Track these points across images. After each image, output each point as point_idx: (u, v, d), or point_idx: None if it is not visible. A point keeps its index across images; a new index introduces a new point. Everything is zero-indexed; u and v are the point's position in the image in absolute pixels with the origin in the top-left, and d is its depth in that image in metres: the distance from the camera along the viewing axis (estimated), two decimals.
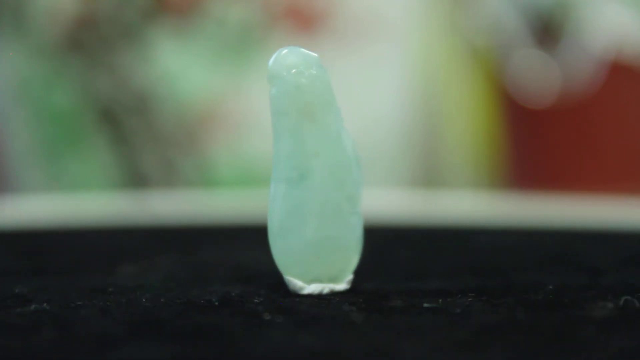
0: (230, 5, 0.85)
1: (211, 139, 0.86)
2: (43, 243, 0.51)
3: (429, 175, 0.91)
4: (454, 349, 0.25)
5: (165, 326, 0.28)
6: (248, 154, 0.85)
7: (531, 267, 0.39)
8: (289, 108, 0.31)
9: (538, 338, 0.26)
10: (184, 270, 0.39)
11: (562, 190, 0.80)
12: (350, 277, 0.32)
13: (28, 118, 0.86)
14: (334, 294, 0.32)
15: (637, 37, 0.83)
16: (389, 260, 0.42)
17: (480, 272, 0.38)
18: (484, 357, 0.24)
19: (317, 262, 0.32)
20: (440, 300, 0.30)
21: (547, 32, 0.85)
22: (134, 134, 0.85)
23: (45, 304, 0.30)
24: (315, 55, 0.32)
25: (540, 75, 0.85)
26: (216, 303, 0.31)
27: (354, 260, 0.32)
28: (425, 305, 0.30)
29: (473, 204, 0.76)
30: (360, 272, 0.33)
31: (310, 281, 0.32)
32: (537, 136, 0.88)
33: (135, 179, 0.85)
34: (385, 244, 0.47)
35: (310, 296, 0.31)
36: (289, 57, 0.31)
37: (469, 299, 0.31)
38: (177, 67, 0.85)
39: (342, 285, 0.32)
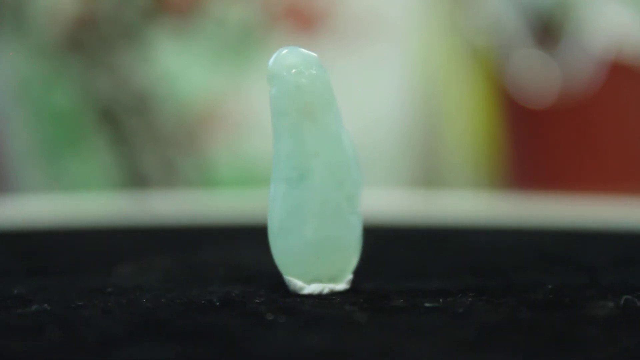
0: (230, 5, 0.85)
1: (211, 139, 0.86)
2: (43, 243, 0.51)
3: (429, 175, 0.91)
4: (460, 348, 0.25)
5: (168, 326, 0.28)
6: (248, 154, 0.85)
7: (531, 267, 0.39)
8: (289, 108, 0.31)
9: (542, 337, 0.26)
10: (183, 270, 0.39)
11: (562, 190, 0.80)
12: (350, 277, 0.32)
13: (28, 118, 0.86)
14: (334, 294, 0.32)
15: (637, 37, 0.83)
16: (388, 260, 0.42)
17: (480, 272, 0.38)
18: (491, 356, 0.24)
19: (317, 262, 0.32)
20: (441, 300, 0.31)
21: (547, 32, 0.85)
22: (134, 134, 0.85)
23: (46, 305, 0.30)
24: (315, 55, 0.32)
25: (540, 75, 0.85)
26: (217, 303, 0.31)
27: (353, 260, 0.32)
28: (427, 305, 0.30)
29: (473, 204, 0.76)
30: (359, 272, 0.33)
31: (310, 281, 0.32)
32: (537, 136, 0.88)
33: (135, 179, 0.85)
34: (384, 244, 0.47)
35: (310, 296, 0.31)
36: (289, 57, 0.31)
37: (470, 299, 0.31)
38: (177, 67, 0.85)
39: (341, 285, 0.32)
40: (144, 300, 0.31)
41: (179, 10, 0.85)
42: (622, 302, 0.30)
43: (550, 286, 0.33)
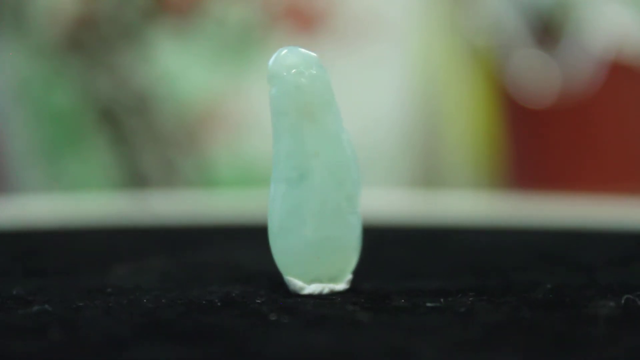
0: (230, 5, 0.85)
1: (211, 139, 0.86)
2: (43, 243, 0.51)
3: (429, 175, 0.91)
4: (466, 348, 0.25)
5: (172, 327, 0.28)
6: (248, 154, 0.85)
7: (530, 267, 0.40)
8: (289, 108, 0.31)
9: (546, 337, 0.26)
10: (183, 270, 0.39)
11: (562, 190, 0.80)
12: (349, 277, 0.32)
13: (28, 118, 0.86)
14: (334, 294, 0.32)
15: (637, 37, 0.83)
16: (387, 260, 0.42)
17: (480, 271, 0.38)
18: (497, 356, 0.24)
19: (317, 262, 0.32)
20: (442, 300, 0.31)
21: (547, 32, 0.85)
22: (134, 134, 0.85)
23: (46, 305, 0.30)
24: (315, 55, 0.32)
25: (540, 75, 0.85)
26: (219, 304, 0.31)
27: (353, 260, 0.32)
28: (429, 304, 0.30)
29: (473, 204, 0.76)
30: (359, 272, 0.33)
31: (311, 281, 0.32)
32: (537, 136, 0.88)
33: (135, 179, 0.85)
34: (384, 244, 0.47)
35: (311, 296, 0.31)
36: (288, 57, 0.31)
37: (470, 299, 0.31)
38: (177, 67, 0.85)
39: (341, 285, 0.32)
40: (144, 300, 0.31)
41: (179, 10, 0.85)
42: (622, 301, 0.30)
43: (549, 286, 0.33)
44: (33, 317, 0.29)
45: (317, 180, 0.31)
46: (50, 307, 0.30)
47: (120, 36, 0.84)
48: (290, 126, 0.31)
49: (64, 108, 0.86)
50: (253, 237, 0.45)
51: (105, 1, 0.85)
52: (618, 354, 0.25)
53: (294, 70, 0.31)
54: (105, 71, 0.85)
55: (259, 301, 0.31)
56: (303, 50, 0.31)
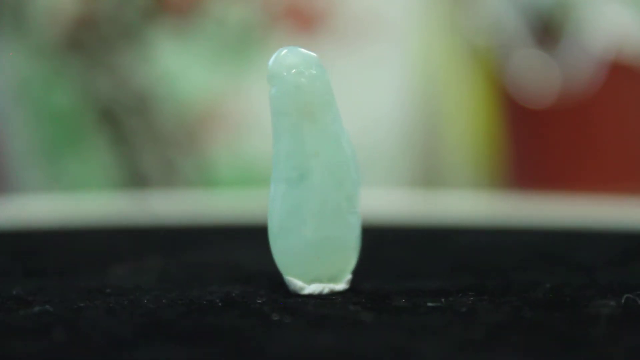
0: (230, 5, 0.85)
1: (211, 139, 0.86)
2: (43, 243, 0.51)
3: (429, 175, 0.91)
4: (471, 348, 0.25)
5: (174, 327, 0.28)
6: (248, 154, 0.85)
7: (530, 267, 0.40)
8: (289, 108, 0.31)
9: (550, 336, 0.26)
10: (184, 270, 0.39)
11: (562, 190, 0.80)
12: (349, 277, 0.32)
13: (28, 118, 0.86)
14: (334, 294, 0.32)
15: (637, 37, 0.83)
16: (386, 260, 0.42)
17: (480, 271, 0.38)
18: (502, 355, 0.25)
19: (317, 262, 0.32)
20: (443, 300, 0.31)
21: (547, 32, 0.85)
22: (134, 134, 0.85)
23: (47, 306, 0.30)
24: (315, 55, 0.32)
25: (540, 75, 0.85)
26: (220, 304, 0.31)
27: (353, 260, 0.32)
28: (430, 304, 0.30)
29: (473, 204, 0.76)
30: (358, 272, 0.33)
31: (311, 281, 0.32)
32: (537, 136, 0.88)
33: (135, 179, 0.85)
34: (384, 244, 0.47)
35: (311, 296, 0.31)
36: (288, 57, 0.31)
37: (471, 298, 0.31)
38: (177, 67, 0.85)
39: (341, 285, 0.32)
40: (145, 301, 0.31)
41: (179, 10, 0.85)
42: (623, 301, 0.30)
43: (548, 285, 0.33)
44: (34, 317, 0.29)
45: (317, 180, 0.31)
46: (51, 307, 0.30)
47: (120, 36, 0.84)
48: (290, 126, 0.31)
49: (64, 108, 0.86)
50: (253, 237, 0.45)
51: (105, 1, 0.85)
52: (620, 353, 0.25)
53: (294, 70, 0.31)
54: (105, 71, 0.85)
55: (259, 301, 0.31)
56: (303, 50, 0.31)
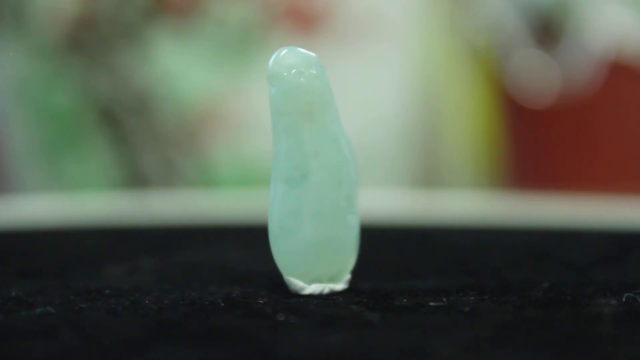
0: (230, 5, 0.85)
1: (211, 139, 0.86)
2: (42, 243, 0.51)
3: (429, 175, 0.91)
4: (481, 347, 0.25)
5: (181, 328, 0.28)
6: (248, 154, 0.85)
7: (530, 266, 0.40)
8: (289, 108, 0.31)
9: (558, 335, 0.26)
10: (183, 270, 0.39)
11: (562, 190, 0.80)
12: (348, 277, 0.32)
13: (28, 118, 0.86)
14: (335, 294, 0.32)
15: (637, 37, 0.83)
16: (385, 260, 0.42)
17: (479, 271, 0.38)
18: (513, 354, 0.25)
19: (318, 262, 0.32)
20: (445, 299, 0.31)
21: (547, 32, 0.85)
22: (134, 134, 0.85)
23: (49, 307, 0.30)
24: (315, 55, 0.32)
25: (540, 75, 0.85)
26: (222, 304, 0.30)
27: (352, 259, 0.32)
28: (432, 304, 0.30)
29: (473, 204, 0.76)
30: (357, 272, 0.33)
31: (311, 281, 0.32)
32: (537, 136, 0.88)
33: (135, 179, 0.85)
34: (383, 244, 0.47)
35: (311, 296, 0.31)
36: (288, 57, 0.31)
37: (472, 298, 0.31)
38: (177, 67, 0.85)
39: (340, 285, 0.32)
40: (146, 301, 0.31)
41: (179, 10, 0.85)
42: (623, 299, 0.30)
43: (546, 285, 0.33)
44: (37, 319, 0.29)
45: (317, 180, 0.31)
46: (52, 309, 0.30)
47: (120, 36, 0.84)
48: (290, 126, 0.31)
49: (64, 108, 0.86)
50: (253, 237, 0.45)
51: (105, 1, 0.85)
52: (635, 350, 0.25)
53: (293, 70, 0.31)
54: (105, 71, 0.85)
55: (261, 302, 0.31)
56: (303, 50, 0.31)
